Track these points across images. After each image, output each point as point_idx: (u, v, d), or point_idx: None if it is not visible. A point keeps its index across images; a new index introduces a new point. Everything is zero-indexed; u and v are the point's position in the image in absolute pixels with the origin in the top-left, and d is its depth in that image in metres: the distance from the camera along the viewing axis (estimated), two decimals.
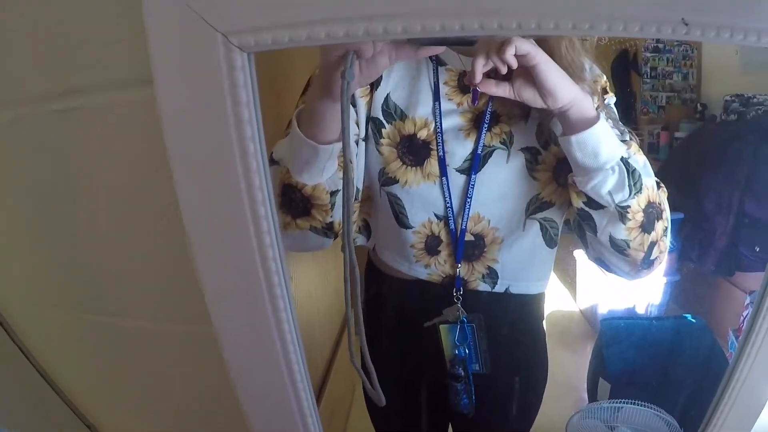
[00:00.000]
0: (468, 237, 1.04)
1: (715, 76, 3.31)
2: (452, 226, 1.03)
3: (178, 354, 1.04)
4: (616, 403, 1.70)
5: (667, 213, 0.99)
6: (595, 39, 0.97)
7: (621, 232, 0.94)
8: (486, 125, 1.00)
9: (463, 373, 1.06)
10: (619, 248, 0.97)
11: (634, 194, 0.90)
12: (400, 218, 1.03)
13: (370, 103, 1.01)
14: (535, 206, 1.03)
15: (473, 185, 1.00)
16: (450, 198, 1.01)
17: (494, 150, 1.00)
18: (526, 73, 0.84)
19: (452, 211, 1.02)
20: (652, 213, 0.94)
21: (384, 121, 1.01)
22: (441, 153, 0.99)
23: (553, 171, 1.00)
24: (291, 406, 0.83)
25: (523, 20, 0.57)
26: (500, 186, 1.01)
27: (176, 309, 0.98)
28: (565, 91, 0.85)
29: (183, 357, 1.05)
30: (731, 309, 2.25)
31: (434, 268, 1.06)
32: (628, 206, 0.91)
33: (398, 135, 1.00)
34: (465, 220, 1.02)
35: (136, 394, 1.16)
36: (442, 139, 0.99)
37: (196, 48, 0.61)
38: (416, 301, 1.10)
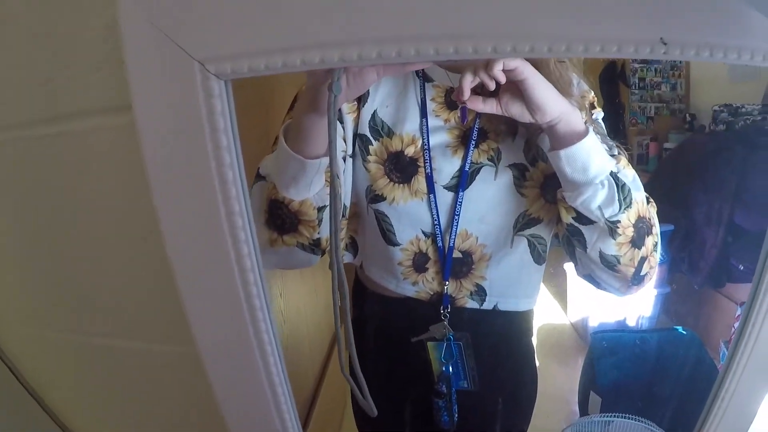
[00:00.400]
0: (456, 254, 1.02)
1: (703, 86, 3.33)
2: (440, 244, 1.02)
3: (167, 374, 1.03)
4: (607, 417, 1.69)
5: (656, 228, 0.98)
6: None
7: (611, 248, 0.93)
8: (473, 142, 0.99)
9: (446, 390, 1.04)
10: (609, 264, 0.96)
11: (624, 209, 0.89)
12: (388, 235, 1.02)
13: (357, 120, 1.00)
14: (523, 223, 1.01)
15: (461, 202, 0.99)
16: (438, 215, 1.00)
17: (482, 167, 0.99)
18: (513, 88, 0.83)
19: (440, 228, 1.01)
20: (642, 228, 0.94)
21: (371, 138, 1.00)
22: (428, 170, 0.98)
23: (541, 187, 1.00)
24: (275, 425, 0.82)
25: (498, 44, 0.57)
26: (488, 203, 1.00)
27: (164, 329, 0.97)
28: (554, 105, 0.84)
29: (171, 377, 1.04)
30: (722, 320, 2.25)
31: (422, 286, 1.05)
32: (618, 221, 0.90)
33: (385, 152, 0.99)
34: (453, 237, 1.01)
35: (124, 413, 1.15)
36: (429, 156, 0.98)
37: (173, 75, 0.61)
38: (404, 318, 1.08)
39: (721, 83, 2.80)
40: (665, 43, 0.55)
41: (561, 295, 3.19)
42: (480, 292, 1.05)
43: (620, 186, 0.88)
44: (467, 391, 1.09)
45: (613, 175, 0.88)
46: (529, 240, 1.03)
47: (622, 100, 3.97)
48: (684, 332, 2.09)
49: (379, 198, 1.00)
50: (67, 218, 0.89)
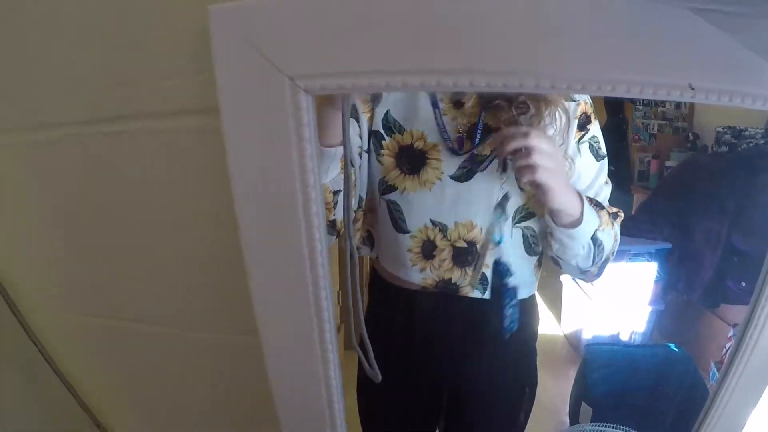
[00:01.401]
0: (460, 243, 1.07)
1: (708, 106, 3.33)
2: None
3: (203, 361, 1.05)
4: (599, 426, 1.71)
5: (617, 238, 1.10)
6: None
7: (578, 275, 1.13)
8: (479, 135, 1.04)
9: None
10: (578, 274, 1.13)
11: (595, 263, 1.06)
12: (399, 224, 1.08)
13: (371, 119, 1.07)
14: (521, 216, 1.07)
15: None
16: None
17: (486, 159, 1.04)
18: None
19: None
20: (603, 265, 1.10)
21: (384, 134, 1.07)
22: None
23: None
24: (324, 416, 0.86)
25: (555, 82, 0.62)
26: (491, 195, 1.05)
27: (202, 318, 0.99)
28: (561, 202, 0.97)
29: (207, 364, 1.05)
30: (714, 341, 2.26)
31: (429, 272, 1.10)
32: (587, 270, 1.09)
33: (397, 146, 1.06)
34: (454, 223, 1.07)
35: (154, 400, 1.18)
36: (446, 133, 1.05)
37: (263, 88, 0.64)
38: (413, 306, 1.14)
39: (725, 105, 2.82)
40: (693, 89, 0.61)
41: (555, 306, 3.21)
42: (483, 281, 1.09)
43: (597, 245, 1.03)
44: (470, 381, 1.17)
45: (593, 237, 1.01)
46: (523, 232, 1.09)
47: (626, 115, 3.99)
48: (677, 349, 2.12)
49: (390, 188, 1.07)
50: (120, 209, 0.92)
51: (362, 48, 0.62)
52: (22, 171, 0.94)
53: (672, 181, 2.95)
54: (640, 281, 2.58)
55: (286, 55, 0.63)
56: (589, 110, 1.07)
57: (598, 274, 1.11)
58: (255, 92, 0.65)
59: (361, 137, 1.07)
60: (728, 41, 0.58)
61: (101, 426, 1.23)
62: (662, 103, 3.97)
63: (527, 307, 1.18)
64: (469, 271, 1.09)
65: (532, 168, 0.91)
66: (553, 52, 0.61)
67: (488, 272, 1.09)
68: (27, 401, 1.10)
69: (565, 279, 2.97)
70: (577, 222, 0.98)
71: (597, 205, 1.05)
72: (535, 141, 0.91)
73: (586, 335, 2.68)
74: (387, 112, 1.07)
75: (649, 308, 2.61)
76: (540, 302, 3.44)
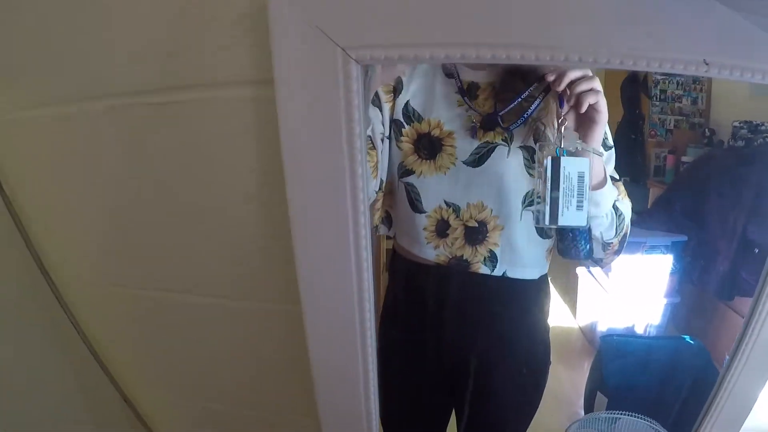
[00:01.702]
0: (472, 223, 1.15)
1: (724, 101, 3.34)
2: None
3: (244, 331, 1.10)
4: (614, 414, 1.74)
5: (629, 219, 1.16)
6: None
7: (599, 254, 1.16)
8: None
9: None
10: (600, 253, 1.17)
11: (617, 233, 1.12)
12: (415, 204, 1.17)
13: (392, 108, 1.16)
14: (530, 200, 1.13)
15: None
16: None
17: (496, 146, 1.11)
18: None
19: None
20: (624, 239, 1.16)
21: (404, 123, 1.16)
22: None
23: None
24: (358, 379, 0.93)
25: (583, 54, 0.68)
26: (500, 179, 1.12)
27: (248, 287, 1.03)
28: (599, 141, 1.03)
29: (248, 334, 1.10)
30: (728, 334, 2.27)
31: (442, 250, 1.18)
32: (611, 242, 1.13)
33: (416, 133, 1.15)
34: (466, 203, 1.15)
35: (186, 373, 1.22)
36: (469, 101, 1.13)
37: (317, 59, 0.70)
38: (427, 279, 1.21)
39: (742, 100, 2.83)
40: (707, 64, 0.67)
41: (571, 299, 3.24)
42: (492, 259, 1.17)
43: (618, 215, 1.10)
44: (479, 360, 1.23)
45: (614, 207, 1.09)
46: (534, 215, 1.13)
47: (643, 110, 3.99)
48: (692, 341, 2.14)
49: (408, 172, 1.16)
50: (166, 180, 0.95)
51: (408, 22, 0.68)
52: (70, 142, 0.97)
53: (688, 175, 2.96)
54: (655, 273, 2.59)
55: (339, 27, 0.68)
56: None
57: (618, 251, 1.16)
58: (308, 62, 0.70)
59: (383, 124, 1.14)
60: (740, 20, 0.64)
61: (128, 400, 1.27)
62: (678, 98, 3.97)
63: (538, 287, 1.24)
64: (480, 249, 1.16)
65: (596, 92, 0.97)
66: (582, 27, 0.66)
67: (497, 251, 1.16)
68: (61, 377, 1.13)
69: (581, 271, 2.99)
70: (602, 183, 1.05)
71: (611, 178, 1.11)
72: (595, 80, 0.97)
73: (601, 328, 2.70)
74: (407, 102, 1.15)
75: (665, 300, 2.62)
76: (555, 294, 3.47)
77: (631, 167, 3.86)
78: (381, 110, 1.14)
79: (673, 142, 3.82)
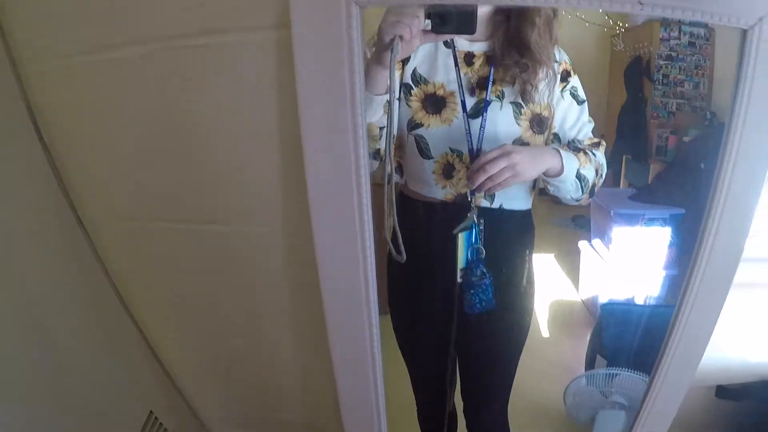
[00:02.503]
0: None
1: (726, 85, 3.38)
2: (462, 157, 1.35)
3: (256, 256, 1.19)
4: (612, 370, 1.83)
5: (603, 167, 1.40)
6: (559, 29, 1.33)
7: (575, 203, 1.41)
8: (489, 84, 1.33)
9: (479, 274, 1.36)
10: (575, 202, 1.41)
11: (584, 192, 1.35)
12: (425, 152, 1.36)
13: (402, 74, 1.35)
14: (518, 143, 1.34)
15: (480, 127, 1.33)
16: (464, 136, 1.33)
17: (491, 102, 1.32)
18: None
19: (463, 145, 1.34)
20: (593, 191, 1.39)
21: (413, 85, 1.35)
22: (462, 96, 1.33)
23: (530, 122, 1.34)
24: (360, 292, 1.07)
25: None
26: (495, 128, 1.33)
27: (260, 216, 1.14)
28: (544, 170, 1.27)
29: (260, 259, 1.20)
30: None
31: (449, 189, 1.38)
32: (580, 198, 1.38)
33: (423, 94, 1.35)
34: (475, 150, 1.33)
35: (206, 308, 1.31)
36: (462, 92, 1.33)
37: (325, 2, 0.83)
38: (435, 215, 1.40)
39: None
40: (641, 3, 0.78)
41: (573, 273, 3.32)
42: (491, 194, 1.38)
43: (582, 180, 1.33)
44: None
45: (578, 175, 1.31)
46: None
47: (646, 94, 4.06)
48: None
49: (418, 125, 1.35)
50: (198, 116, 1.05)
51: None
52: (109, 85, 1.06)
53: (687, 151, 3.03)
54: (654, 246, 2.69)
55: None
56: (569, 68, 1.38)
57: (591, 197, 1.40)
58: (318, 6, 0.83)
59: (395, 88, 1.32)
60: None
61: (151, 345, 1.37)
62: (681, 83, 4.03)
63: (527, 217, 1.48)
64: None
65: (514, 177, 1.21)
66: None
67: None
68: (87, 322, 1.20)
69: (583, 245, 3.08)
70: (560, 172, 1.28)
71: (575, 148, 1.36)
72: (508, 155, 1.19)
73: (602, 300, 2.77)
74: (414, 68, 1.34)
75: (663, 272, 2.70)
76: (558, 269, 3.55)
77: (634, 146, 3.94)
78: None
79: (675, 123, 3.89)
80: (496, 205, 1.39)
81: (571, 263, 3.44)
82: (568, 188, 1.33)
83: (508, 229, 1.42)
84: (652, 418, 1.20)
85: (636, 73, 4.12)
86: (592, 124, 1.42)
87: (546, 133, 1.38)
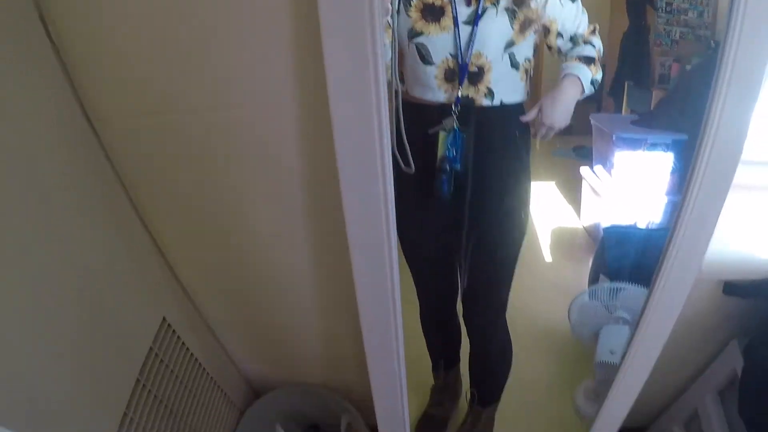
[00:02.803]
0: (472, 68, 1.45)
1: None
2: (461, 61, 1.44)
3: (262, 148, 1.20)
4: (617, 285, 1.88)
5: (602, 50, 1.54)
6: None
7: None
8: None
9: (448, 168, 1.51)
10: None
11: (595, 89, 1.52)
12: (426, 58, 1.46)
13: None
14: (508, 45, 1.44)
15: (475, 33, 1.42)
16: (460, 42, 1.42)
17: (487, 9, 1.40)
18: None
19: (461, 50, 1.43)
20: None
21: None
22: (455, 12, 1.41)
23: (521, 25, 1.42)
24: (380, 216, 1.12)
25: None
26: (491, 32, 1.41)
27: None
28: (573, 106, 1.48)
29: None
30: None
31: (451, 92, 1.48)
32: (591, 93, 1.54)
33: (422, 4, 1.43)
34: (470, 56, 1.43)
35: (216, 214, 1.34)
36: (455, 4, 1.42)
37: None
38: (441, 115, 1.49)
39: None
40: None
41: (575, 201, 3.38)
42: (490, 93, 1.48)
43: (594, 84, 1.50)
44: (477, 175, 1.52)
45: (593, 81, 1.49)
46: (510, 55, 1.47)
47: (648, 22, 4.04)
48: None
49: (418, 34, 1.45)
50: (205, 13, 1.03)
51: None
52: None
53: (689, 78, 3.03)
54: (656, 171, 2.72)
55: None
56: None
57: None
58: None
59: (391, 3, 1.37)
60: None
61: (164, 253, 1.42)
62: (685, 11, 4.00)
63: (520, 111, 1.55)
64: (480, 87, 1.47)
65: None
66: None
67: (492, 86, 1.48)
68: (100, 226, 1.20)
69: (584, 171, 3.11)
70: (582, 92, 1.48)
71: (584, 59, 1.49)
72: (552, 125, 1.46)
73: (605, 225, 2.78)
74: None
75: (666, 199, 2.74)
76: (559, 196, 3.58)
77: (636, 73, 3.93)
78: None
79: (678, 51, 3.88)
80: (496, 101, 1.48)
81: (572, 191, 3.49)
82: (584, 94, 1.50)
83: (509, 125, 1.52)
84: (660, 308, 1.26)
85: (639, 0, 4.08)
86: (586, 15, 1.52)
87: (533, 27, 1.46)
